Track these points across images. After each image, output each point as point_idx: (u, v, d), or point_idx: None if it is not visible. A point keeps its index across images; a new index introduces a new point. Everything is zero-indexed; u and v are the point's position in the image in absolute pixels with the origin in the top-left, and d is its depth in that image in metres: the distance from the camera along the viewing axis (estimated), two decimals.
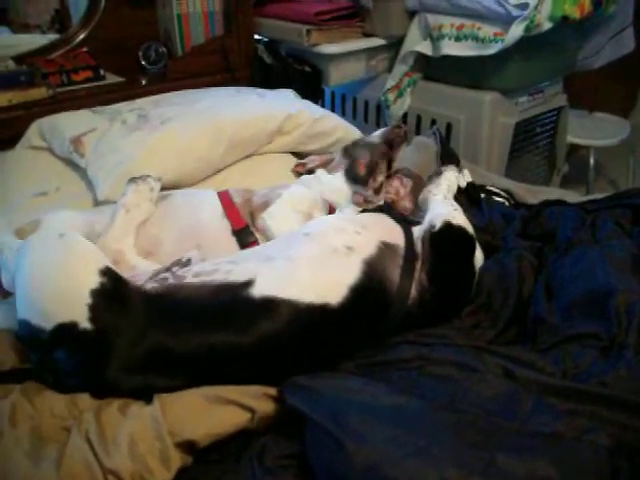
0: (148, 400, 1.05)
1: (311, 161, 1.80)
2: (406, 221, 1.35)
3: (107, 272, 1.10)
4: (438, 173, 1.58)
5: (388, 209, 1.43)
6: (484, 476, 0.81)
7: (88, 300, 1.05)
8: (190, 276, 1.17)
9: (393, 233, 1.28)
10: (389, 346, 1.16)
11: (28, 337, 1.09)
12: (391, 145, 1.65)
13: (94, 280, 1.07)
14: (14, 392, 1.08)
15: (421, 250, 1.26)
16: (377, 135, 1.69)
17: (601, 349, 1.08)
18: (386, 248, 1.22)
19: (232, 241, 1.40)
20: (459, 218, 1.30)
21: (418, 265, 1.23)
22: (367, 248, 1.20)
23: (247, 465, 0.99)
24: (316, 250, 1.19)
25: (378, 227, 1.28)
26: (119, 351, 1.05)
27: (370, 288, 1.16)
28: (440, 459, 0.84)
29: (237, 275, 1.14)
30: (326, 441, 0.91)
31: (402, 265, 1.21)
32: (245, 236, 1.40)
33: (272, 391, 1.07)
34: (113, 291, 1.08)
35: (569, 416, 0.92)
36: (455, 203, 1.41)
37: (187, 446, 1.01)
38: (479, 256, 1.36)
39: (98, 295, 1.06)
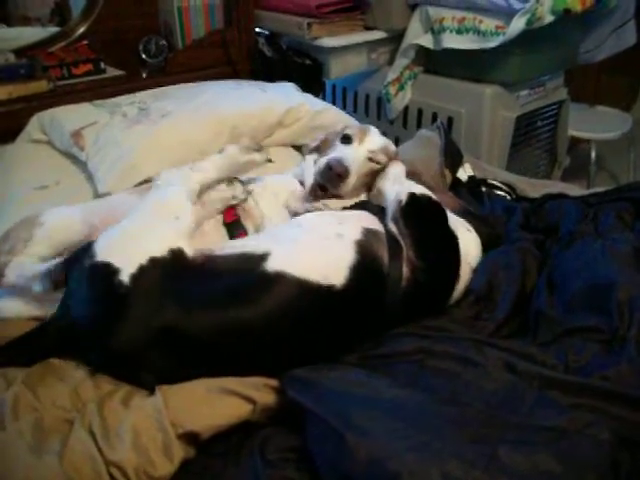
0: (150, 391, 1.05)
1: (315, 140, 1.74)
2: (383, 211, 1.37)
3: (177, 253, 1.14)
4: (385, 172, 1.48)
5: (365, 203, 1.44)
6: (486, 470, 0.82)
7: (143, 261, 1.10)
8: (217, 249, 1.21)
9: (373, 222, 1.31)
10: (390, 338, 1.16)
11: (75, 257, 1.16)
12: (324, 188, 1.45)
13: (160, 250, 1.12)
14: (16, 383, 1.08)
15: (398, 231, 1.28)
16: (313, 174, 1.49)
17: (603, 343, 1.08)
18: (369, 233, 1.25)
19: (223, 232, 1.42)
20: (419, 189, 1.34)
21: (402, 245, 1.26)
22: (354, 233, 1.23)
23: (249, 457, 0.99)
24: (311, 237, 1.24)
25: (356, 218, 1.32)
26: (134, 320, 1.06)
27: (366, 266, 1.19)
28: (442, 453, 0.84)
29: (254, 248, 1.18)
30: (328, 435, 0.91)
31: (387, 245, 1.24)
32: (235, 229, 1.42)
33: (273, 382, 1.07)
34: (166, 269, 1.11)
35: (571, 410, 0.93)
36: (408, 181, 1.41)
37: (189, 438, 1.01)
38: (474, 241, 1.39)
39: (153, 262, 1.10)
